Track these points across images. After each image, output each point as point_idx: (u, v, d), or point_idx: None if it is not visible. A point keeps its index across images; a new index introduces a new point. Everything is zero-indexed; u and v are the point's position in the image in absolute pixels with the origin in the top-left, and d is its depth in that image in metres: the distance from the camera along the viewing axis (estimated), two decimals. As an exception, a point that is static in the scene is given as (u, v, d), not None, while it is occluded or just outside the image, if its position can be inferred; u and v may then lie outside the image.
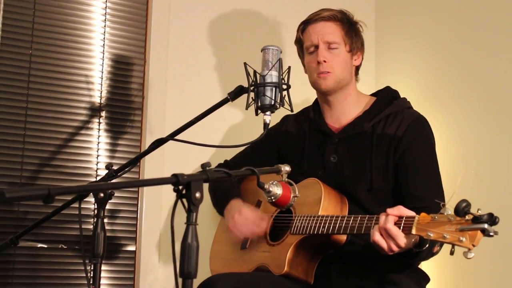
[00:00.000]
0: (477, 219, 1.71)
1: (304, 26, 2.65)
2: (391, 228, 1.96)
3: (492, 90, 2.91)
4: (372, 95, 2.69)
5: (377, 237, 2.00)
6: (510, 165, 2.78)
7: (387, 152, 2.45)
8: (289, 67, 2.23)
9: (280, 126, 2.80)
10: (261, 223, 2.50)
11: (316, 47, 2.57)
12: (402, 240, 1.96)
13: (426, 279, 2.47)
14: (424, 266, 2.55)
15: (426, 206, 2.01)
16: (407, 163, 2.43)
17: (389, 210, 1.99)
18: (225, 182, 2.66)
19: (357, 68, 2.68)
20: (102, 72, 3.16)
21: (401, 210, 1.98)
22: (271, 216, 2.56)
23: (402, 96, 2.63)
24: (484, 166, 2.90)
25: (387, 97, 2.61)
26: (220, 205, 2.70)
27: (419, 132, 2.48)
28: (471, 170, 2.95)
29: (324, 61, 2.54)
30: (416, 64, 3.39)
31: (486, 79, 2.94)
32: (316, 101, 2.73)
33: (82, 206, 2.05)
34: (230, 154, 2.88)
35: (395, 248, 1.99)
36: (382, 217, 2.00)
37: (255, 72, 2.18)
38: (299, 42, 2.70)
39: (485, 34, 2.98)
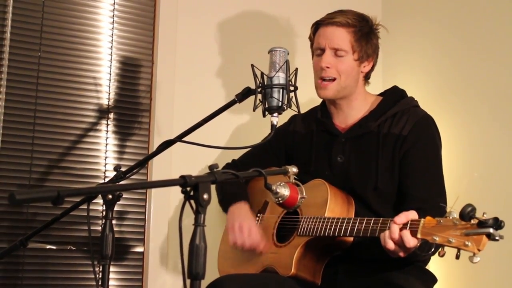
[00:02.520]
0: (482, 224, 1.71)
1: (316, 26, 2.63)
2: (395, 238, 1.97)
3: (499, 90, 2.91)
4: (380, 94, 2.69)
5: (388, 245, 2.01)
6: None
7: (393, 152, 2.45)
8: (296, 69, 2.23)
9: (287, 126, 2.80)
10: (260, 243, 2.52)
11: (323, 50, 2.56)
12: (408, 246, 1.96)
13: (434, 280, 2.47)
14: (431, 267, 2.55)
15: (426, 208, 2.01)
16: (410, 163, 2.43)
17: (396, 219, 1.99)
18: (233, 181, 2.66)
19: (367, 73, 2.65)
20: (110, 74, 3.17)
21: (408, 216, 1.98)
22: (278, 217, 2.57)
23: (409, 95, 2.63)
24: (491, 167, 2.89)
25: (393, 96, 2.60)
26: (226, 202, 2.70)
27: (424, 131, 2.48)
28: (477, 171, 2.94)
29: (327, 67, 2.53)
30: (423, 65, 3.39)
31: (494, 80, 2.94)
32: (324, 101, 2.73)
33: (90, 207, 2.06)
34: (237, 155, 2.89)
35: (402, 254, 2.01)
36: (385, 233, 2.01)
37: (262, 73, 2.19)
38: (311, 40, 2.69)
39: (492, 34, 2.98)
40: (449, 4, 3.27)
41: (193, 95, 3.27)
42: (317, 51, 2.60)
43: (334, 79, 2.54)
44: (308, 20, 2.69)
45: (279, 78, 2.17)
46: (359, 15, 2.60)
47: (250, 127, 3.31)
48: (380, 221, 2.10)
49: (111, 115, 3.15)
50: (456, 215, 1.77)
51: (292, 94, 2.19)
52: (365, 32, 2.58)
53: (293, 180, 2.09)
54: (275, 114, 2.15)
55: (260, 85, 2.18)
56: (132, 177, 2.26)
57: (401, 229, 1.96)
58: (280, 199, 2.12)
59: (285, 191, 2.11)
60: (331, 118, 2.66)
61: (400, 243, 1.97)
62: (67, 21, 3.13)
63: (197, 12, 3.35)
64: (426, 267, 2.50)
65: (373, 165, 2.47)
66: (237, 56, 3.38)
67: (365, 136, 2.53)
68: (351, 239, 2.34)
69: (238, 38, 3.44)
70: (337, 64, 2.54)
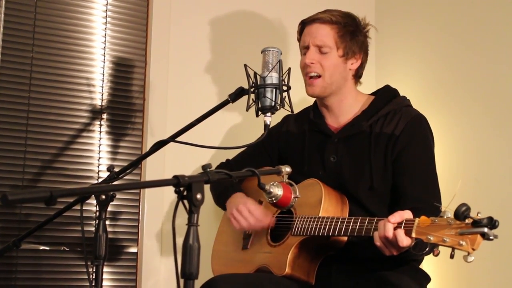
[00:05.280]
0: (476, 223, 1.71)
1: (301, 26, 2.65)
2: (389, 236, 1.98)
3: (492, 89, 2.91)
4: (372, 94, 2.69)
5: (378, 243, 2.03)
6: (510, 167, 2.79)
7: (386, 151, 2.46)
8: (289, 69, 2.23)
9: (281, 126, 2.81)
10: (264, 219, 2.51)
11: (307, 47, 2.57)
12: (401, 245, 1.96)
13: (427, 279, 2.48)
14: (425, 266, 2.56)
15: (421, 207, 2.02)
16: (403, 163, 2.43)
17: (390, 218, 1.99)
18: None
19: (357, 71, 2.64)
20: (103, 75, 3.17)
21: (402, 216, 1.99)
22: (272, 216, 2.57)
23: (402, 95, 2.63)
24: (485, 167, 2.90)
25: (386, 96, 2.60)
26: (222, 198, 2.70)
27: (417, 131, 2.48)
28: (471, 171, 2.95)
29: (312, 63, 2.54)
30: (416, 65, 3.39)
31: (486, 79, 2.95)
32: (316, 101, 2.73)
33: (84, 208, 2.06)
34: (230, 155, 2.89)
35: (395, 253, 2.02)
36: (381, 226, 2.01)
37: (255, 73, 2.19)
38: (298, 41, 2.70)
39: (485, 33, 2.99)
40: (442, 4, 3.28)
41: (186, 95, 3.26)
42: (303, 50, 2.61)
43: (319, 76, 2.54)
44: (301, 20, 2.68)
45: (272, 78, 2.17)
46: (344, 13, 2.61)
47: (243, 127, 3.32)
48: (375, 220, 2.10)
49: (104, 116, 3.15)
50: (450, 214, 1.77)
51: (285, 93, 2.19)
52: (349, 29, 2.58)
53: (287, 180, 2.10)
54: (268, 114, 2.15)
55: (253, 85, 2.18)
56: (126, 177, 2.26)
57: (395, 228, 1.97)
58: (273, 198, 2.12)
59: (278, 191, 2.11)
60: (323, 118, 2.66)
61: (394, 242, 1.97)
62: (59, 21, 3.12)
63: (190, 12, 3.35)
64: (420, 266, 2.50)
65: (366, 165, 2.47)
66: (230, 56, 3.39)
67: (358, 136, 2.53)
68: (345, 238, 2.34)
69: (231, 38, 3.44)
70: (321, 60, 2.54)
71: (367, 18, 2.69)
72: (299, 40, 2.68)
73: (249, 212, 2.52)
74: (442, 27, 3.26)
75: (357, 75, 2.65)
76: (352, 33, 2.58)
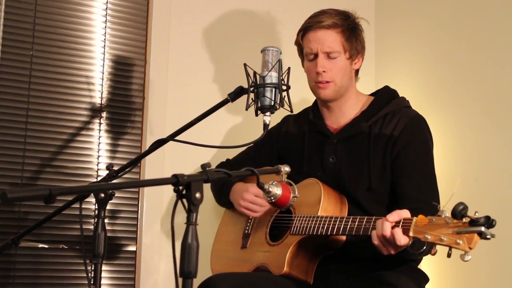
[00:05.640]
0: (474, 222, 1.71)
1: (304, 32, 2.61)
2: (387, 235, 1.98)
3: (492, 90, 2.91)
4: (371, 94, 2.69)
5: (376, 242, 2.03)
6: (509, 167, 2.79)
7: (385, 152, 2.46)
8: (289, 68, 2.23)
9: (280, 127, 2.81)
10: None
11: (316, 55, 2.55)
12: (399, 244, 1.96)
13: (425, 279, 2.48)
14: (423, 266, 2.56)
15: (420, 208, 2.02)
16: (402, 163, 2.44)
17: (389, 217, 1.99)
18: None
19: (357, 70, 2.66)
20: (103, 73, 3.17)
21: (401, 215, 1.99)
22: (271, 215, 2.57)
23: (401, 96, 2.64)
24: (483, 167, 2.90)
25: (385, 97, 2.61)
26: (223, 195, 2.70)
27: (416, 132, 2.48)
28: (470, 171, 2.95)
29: (323, 71, 2.53)
30: (416, 64, 3.39)
31: (486, 79, 2.94)
32: (315, 102, 2.73)
33: (83, 206, 2.06)
34: (230, 154, 2.89)
35: (393, 252, 2.02)
36: (379, 224, 2.02)
37: (255, 73, 2.19)
38: (299, 46, 2.69)
39: (485, 33, 2.98)
40: (442, 4, 3.28)
41: (185, 94, 3.26)
42: (310, 56, 2.58)
43: (330, 82, 2.54)
44: (301, 19, 2.67)
45: (272, 77, 2.17)
46: (342, 13, 2.60)
47: (242, 126, 3.32)
48: (373, 219, 2.10)
49: (104, 114, 3.15)
50: (448, 213, 1.77)
51: (284, 93, 2.19)
52: (352, 29, 2.58)
53: (286, 179, 2.10)
54: (268, 113, 2.15)
55: (253, 84, 2.19)
56: (125, 176, 2.26)
57: (393, 227, 1.97)
58: (272, 198, 2.13)
59: (277, 190, 2.12)
60: (323, 119, 2.67)
61: (391, 240, 1.97)
62: (59, 20, 3.12)
63: (190, 11, 3.35)
64: (418, 267, 2.51)
65: (364, 165, 2.47)
66: (230, 55, 3.38)
67: (357, 137, 2.53)
68: (344, 238, 2.35)
69: (231, 37, 3.44)
70: (332, 66, 2.53)
71: (367, 17, 2.70)
72: (300, 45, 2.66)
73: (255, 196, 2.52)
74: (441, 27, 3.26)
75: (356, 73, 2.67)
76: (354, 32, 2.59)
